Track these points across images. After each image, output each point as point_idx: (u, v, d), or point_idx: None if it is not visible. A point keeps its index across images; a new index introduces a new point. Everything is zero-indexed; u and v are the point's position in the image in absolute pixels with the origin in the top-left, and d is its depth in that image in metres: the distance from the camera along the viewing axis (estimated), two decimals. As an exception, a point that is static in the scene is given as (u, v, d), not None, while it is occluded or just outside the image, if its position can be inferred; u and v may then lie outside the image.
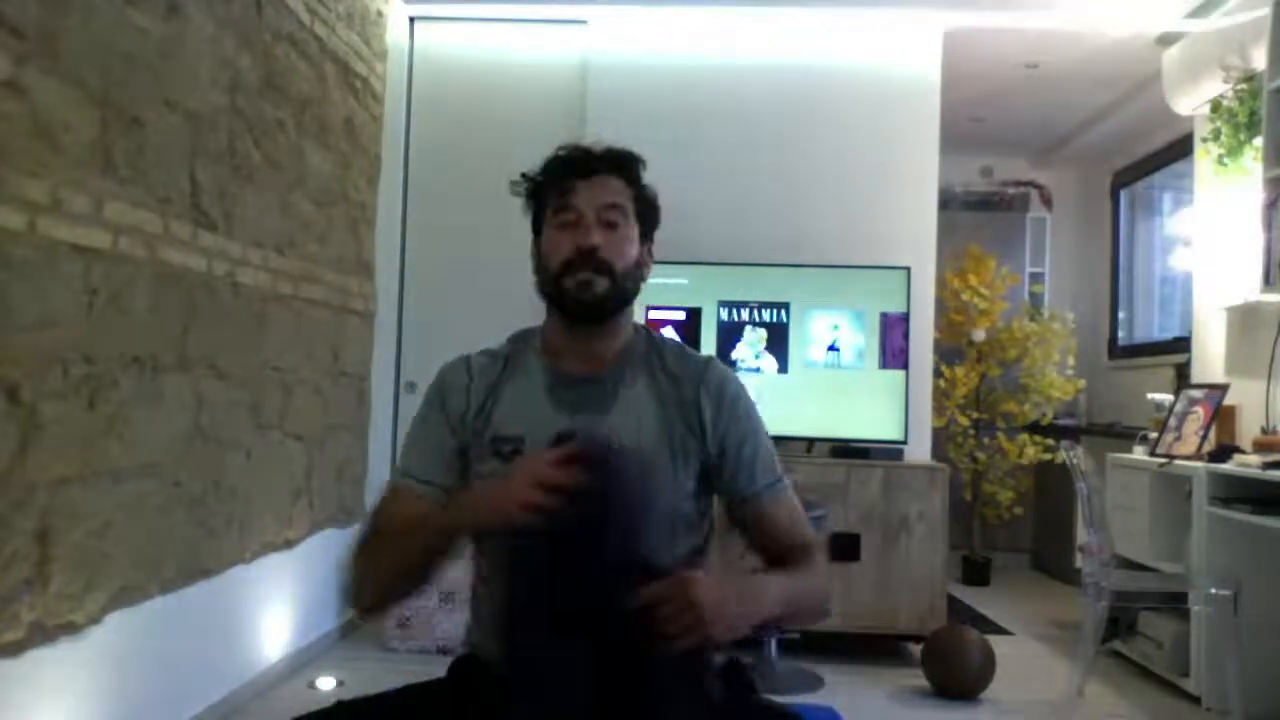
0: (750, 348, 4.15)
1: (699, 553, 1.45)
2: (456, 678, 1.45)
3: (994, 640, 3.58)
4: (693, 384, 1.45)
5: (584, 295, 1.39)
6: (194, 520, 2.77)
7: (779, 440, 4.05)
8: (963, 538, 5.46)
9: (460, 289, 4.40)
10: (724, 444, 1.44)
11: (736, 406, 1.46)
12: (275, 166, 3.20)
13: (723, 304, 4.17)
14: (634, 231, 1.44)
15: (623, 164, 1.45)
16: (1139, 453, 3.93)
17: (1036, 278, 6.37)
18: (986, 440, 5.60)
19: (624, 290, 1.42)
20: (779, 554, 1.43)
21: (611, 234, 1.41)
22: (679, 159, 4.35)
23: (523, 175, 1.51)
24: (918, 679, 3.51)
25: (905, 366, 4.10)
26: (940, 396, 5.22)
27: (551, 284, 1.42)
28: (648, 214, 1.48)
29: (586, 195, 1.41)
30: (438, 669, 1.48)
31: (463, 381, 1.46)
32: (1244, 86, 3.75)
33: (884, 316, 4.12)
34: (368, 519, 1.43)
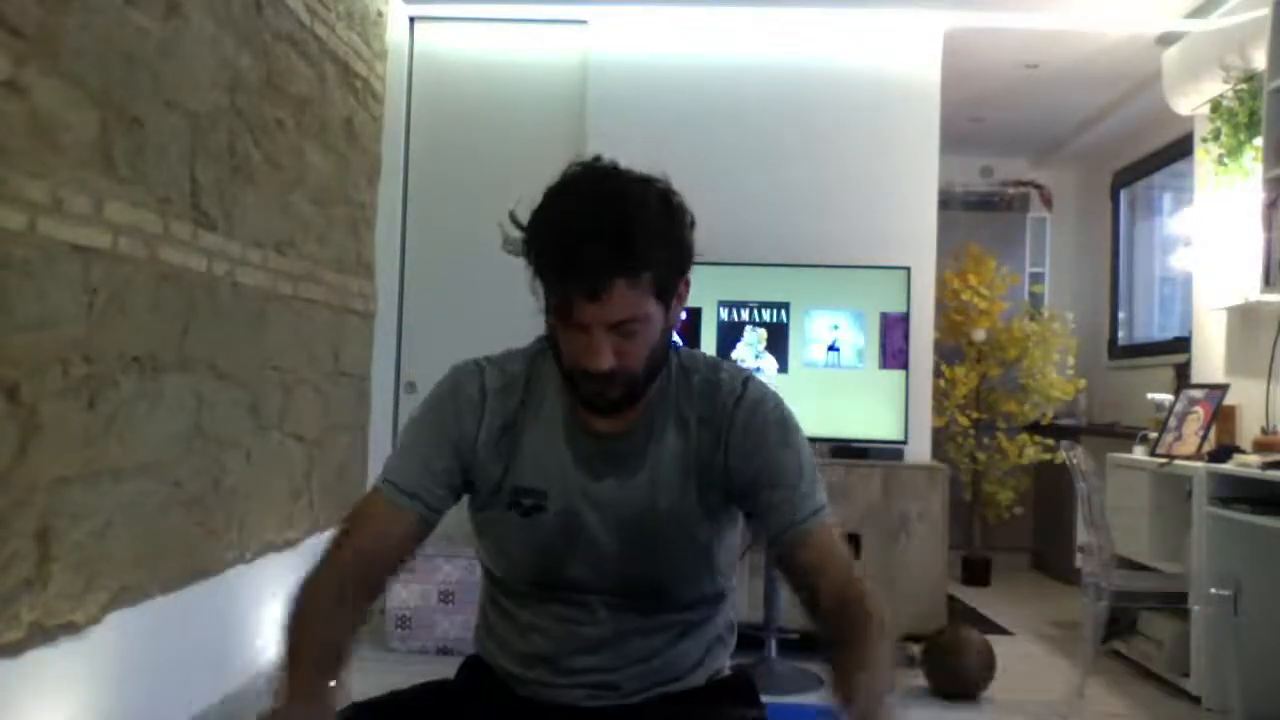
0: (750, 348, 4.15)
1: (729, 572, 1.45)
2: (469, 677, 1.44)
3: (994, 640, 3.57)
4: (720, 424, 1.33)
5: (598, 402, 1.27)
6: (194, 520, 2.77)
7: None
8: (963, 538, 5.46)
9: (460, 289, 4.40)
10: (750, 484, 1.32)
11: (765, 436, 1.32)
12: (275, 166, 3.20)
13: (723, 304, 4.17)
14: (656, 317, 1.24)
15: (639, 261, 1.18)
16: (1139, 453, 3.93)
17: (1036, 278, 6.37)
18: (986, 440, 5.59)
19: (647, 381, 1.28)
20: (823, 603, 1.31)
21: (629, 343, 1.22)
22: (679, 159, 4.31)
23: (513, 220, 1.29)
24: (918, 679, 3.51)
25: (905, 366, 4.10)
26: (940, 396, 5.21)
27: (564, 370, 1.28)
28: (673, 282, 1.26)
29: (595, 314, 1.18)
30: (438, 668, 1.48)
31: (475, 398, 1.34)
32: (1244, 86, 3.75)
33: (884, 316, 4.12)
34: (338, 528, 1.32)
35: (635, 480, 1.32)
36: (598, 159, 1.30)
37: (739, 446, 1.32)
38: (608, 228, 1.17)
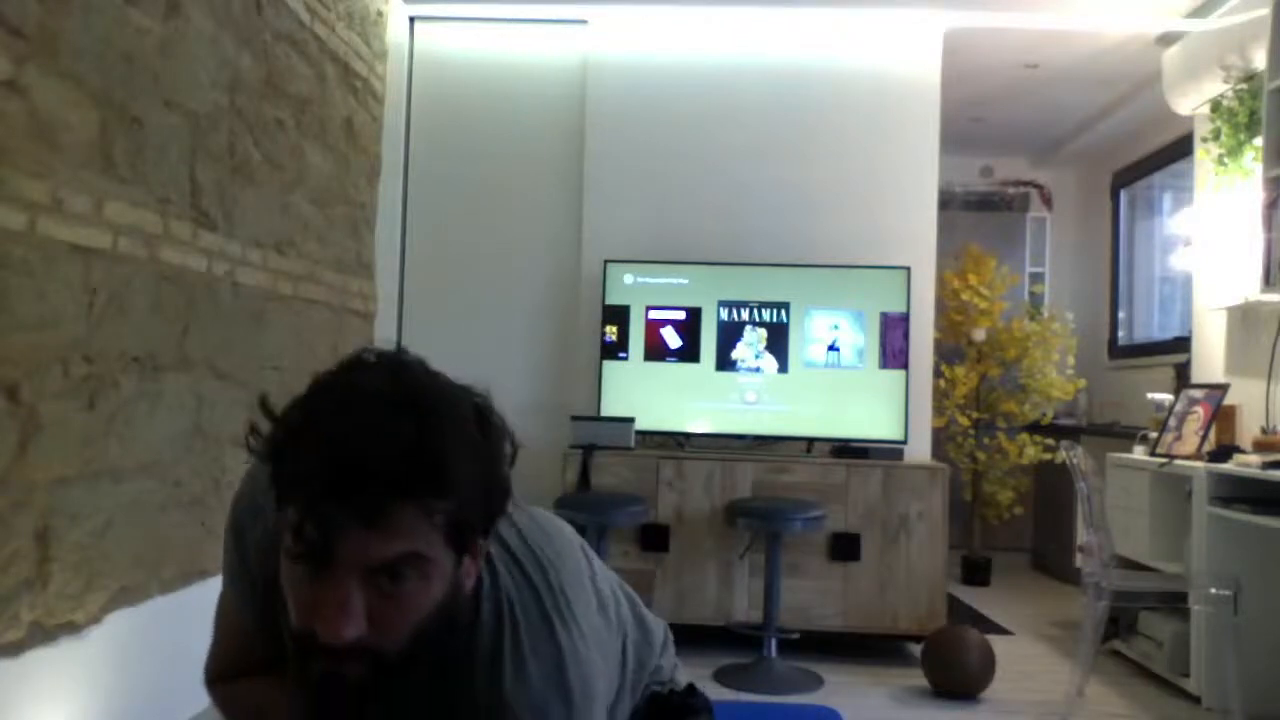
0: (750, 348, 4.15)
1: None
2: None
3: (994, 640, 3.58)
4: None
5: (330, 689, 0.88)
6: (194, 520, 2.77)
7: (780, 440, 4.10)
8: (963, 538, 5.46)
9: (460, 289, 4.41)
10: None
11: None
12: (275, 166, 3.20)
13: (723, 304, 4.17)
14: (440, 572, 0.90)
15: (440, 484, 0.86)
16: (1139, 453, 3.93)
17: (1036, 278, 6.38)
18: (986, 440, 5.59)
19: (403, 667, 0.91)
20: None
21: (391, 602, 0.87)
22: (678, 159, 4.36)
23: (264, 409, 0.93)
24: (918, 679, 3.51)
25: (905, 366, 4.10)
26: (940, 396, 5.22)
27: (289, 636, 0.91)
28: (474, 529, 0.92)
29: (355, 547, 0.85)
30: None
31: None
32: (1244, 86, 3.75)
33: (884, 316, 4.12)
34: (213, 636, 1.18)
35: None
36: (402, 352, 0.95)
37: None
38: (403, 433, 0.84)
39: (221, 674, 1.18)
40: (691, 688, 1.36)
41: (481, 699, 0.98)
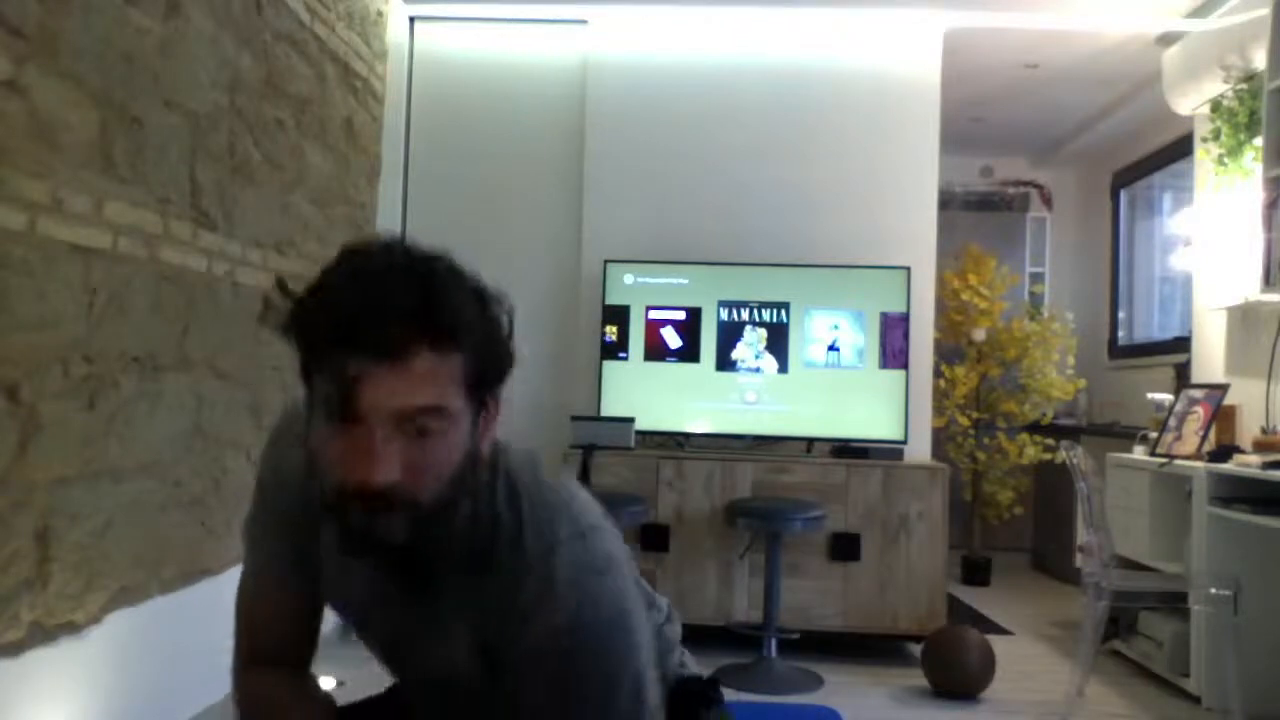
0: (750, 348, 4.15)
1: None
2: None
3: (994, 640, 3.58)
4: (508, 635, 1.02)
5: (369, 541, 0.94)
6: (194, 520, 2.77)
7: (780, 440, 4.10)
8: (963, 538, 5.46)
9: (460, 289, 4.40)
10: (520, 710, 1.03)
11: (553, 680, 0.99)
12: (275, 166, 3.20)
13: (723, 304, 4.17)
14: (462, 424, 0.95)
15: (450, 329, 0.92)
16: (1139, 453, 3.93)
17: (1036, 278, 6.38)
18: (986, 440, 5.59)
19: (434, 519, 0.95)
20: None
21: (423, 450, 0.92)
22: (678, 159, 4.36)
23: (280, 287, 0.97)
24: (918, 679, 3.51)
25: (905, 366, 4.10)
26: (940, 396, 5.22)
27: (326, 500, 0.95)
28: (489, 380, 0.97)
29: (380, 392, 0.89)
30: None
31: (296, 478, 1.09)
32: (1244, 86, 3.75)
33: (884, 316, 4.12)
34: (235, 629, 1.23)
35: (437, 641, 1.08)
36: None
37: (526, 675, 1.01)
38: (413, 287, 0.91)
39: (251, 659, 1.20)
40: (714, 680, 1.35)
41: (510, 586, 1.01)
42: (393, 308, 0.89)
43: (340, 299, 0.90)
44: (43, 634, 2.15)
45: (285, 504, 1.12)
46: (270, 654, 1.18)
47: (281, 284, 0.96)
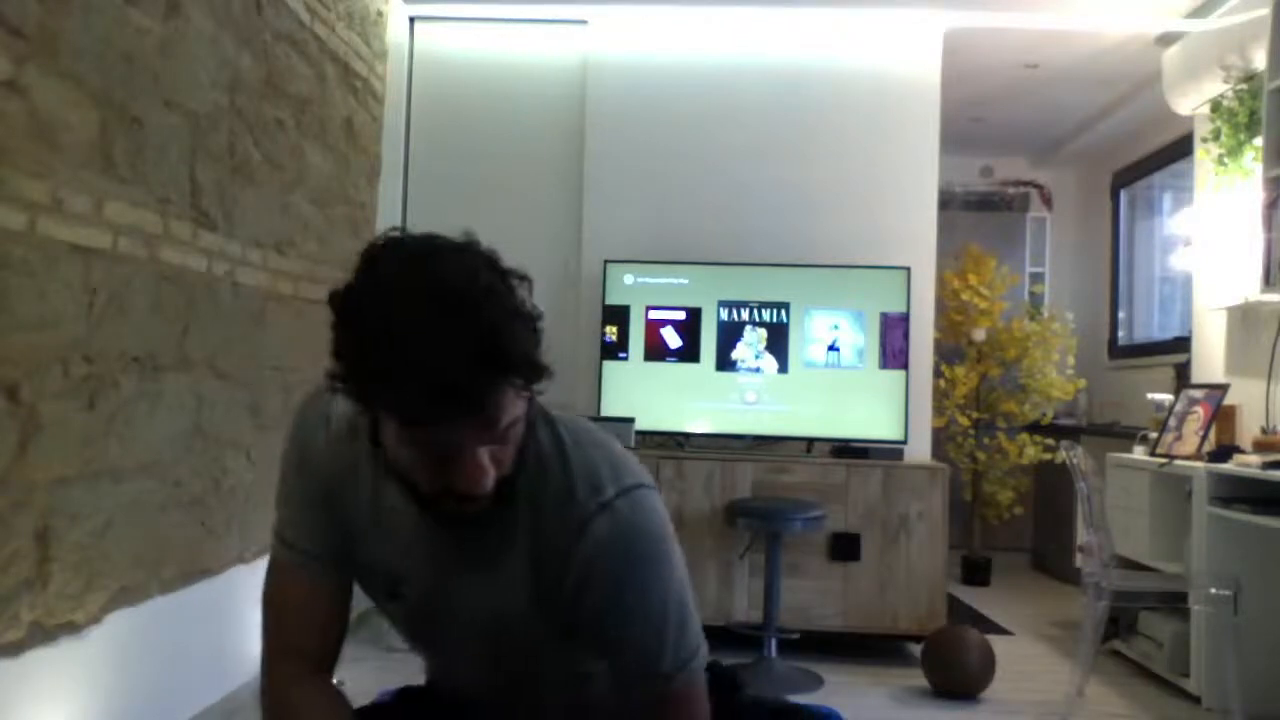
0: (750, 348, 4.15)
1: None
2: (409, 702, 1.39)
3: (994, 640, 3.58)
4: (563, 550, 1.13)
5: (461, 519, 1.09)
6: (194, 520, 2.77)
7: (779, 440, 4.10)
8: (963, 538, 5.46)
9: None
10: (598, 626, 1.14)
11: (614, 579, 1.11)
12: (275, 166, 3.20)
13: (723, 304, 4.17)
14: (524, 405, 1.07)
15: (514, 364, 1.00)
16: (1139, 453, 3.93)
17: (1036, 278, 6.38)
18: (986, 440, 5.59)
19: (513, 476, 1.09)
20: None
21: (504, 448, 1.06)
22: (679, 159, 4.36)
23: (339, 361, 1.02)
24: (918, 679, 3.51)
25: (905, 366, 4.10)
26: (940, 396, 5.22)
27: (422, 499, 1.08)
28: (539, 370, 1.06)
29: (470, 435, 1.01)
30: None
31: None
32: (1244, 86, 3.75)
33: (884, 316, 4.12)
34: (264, 624, 1.22)
35: (492, 578, 1.16)
36: (403, 235, 1.13)
37: (583, 583, 1.12)
38: (468, 339, 0.96)
39: (282, 650, 1.19)
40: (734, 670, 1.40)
41: (563, 502, 1.13)
42: (467, 386, 0.95)
43: (412, 382, 0.94)
44: (43, 634, 2.14)
45: (316, 481, 1.19)
46: (300, 643, 1.20)
47: (333, 374, 1.01)
